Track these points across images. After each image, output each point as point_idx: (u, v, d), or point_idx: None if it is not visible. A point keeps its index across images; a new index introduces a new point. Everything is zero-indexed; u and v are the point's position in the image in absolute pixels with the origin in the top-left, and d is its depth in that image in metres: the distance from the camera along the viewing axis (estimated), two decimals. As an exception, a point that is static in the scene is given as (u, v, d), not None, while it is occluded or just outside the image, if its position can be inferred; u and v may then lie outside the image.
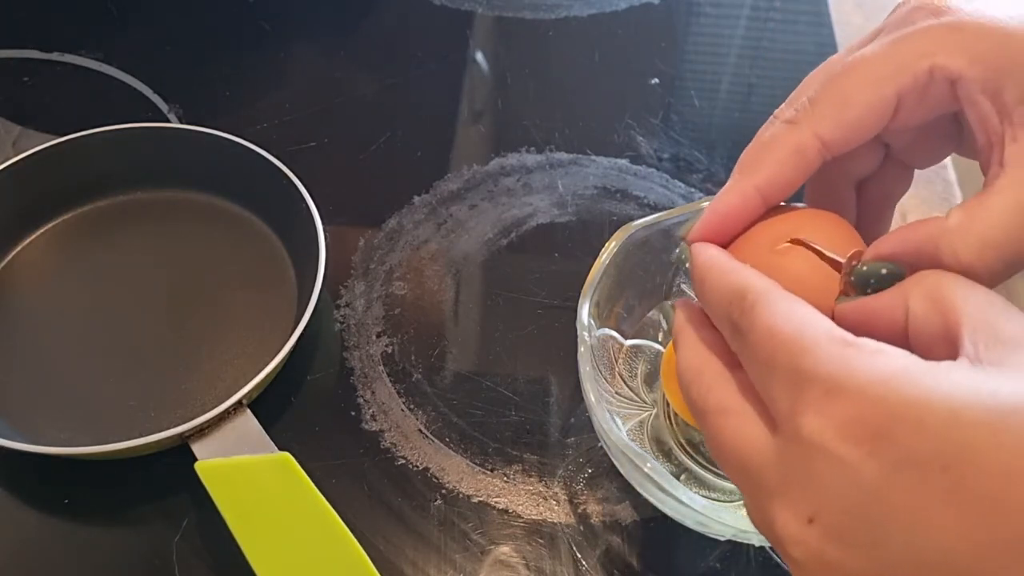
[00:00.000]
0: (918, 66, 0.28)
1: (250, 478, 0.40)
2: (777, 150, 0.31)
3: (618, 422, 0.40)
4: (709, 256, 0.30)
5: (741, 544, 0.42)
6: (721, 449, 0.27)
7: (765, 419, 0.26)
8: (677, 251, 0.34)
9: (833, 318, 0.27)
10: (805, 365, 0.24)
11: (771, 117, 0.33)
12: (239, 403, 0.42)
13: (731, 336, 0.28)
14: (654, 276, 0.47)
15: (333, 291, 0.51)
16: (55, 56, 0.64)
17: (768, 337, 0.25)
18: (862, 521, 0.22)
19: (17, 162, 0.50)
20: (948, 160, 0.59)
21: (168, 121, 0.59)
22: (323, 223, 0.48)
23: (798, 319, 0.25)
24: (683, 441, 0.44)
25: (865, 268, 0.29)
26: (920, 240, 0.28)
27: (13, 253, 0.51)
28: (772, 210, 0.32)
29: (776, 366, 0.24)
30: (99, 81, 0.62)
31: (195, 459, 0.40)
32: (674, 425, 0.45)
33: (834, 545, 0.22)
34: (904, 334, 0.26)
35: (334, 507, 0.39)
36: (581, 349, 0.41)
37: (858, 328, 0.25)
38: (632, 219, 0.45)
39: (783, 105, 0.33)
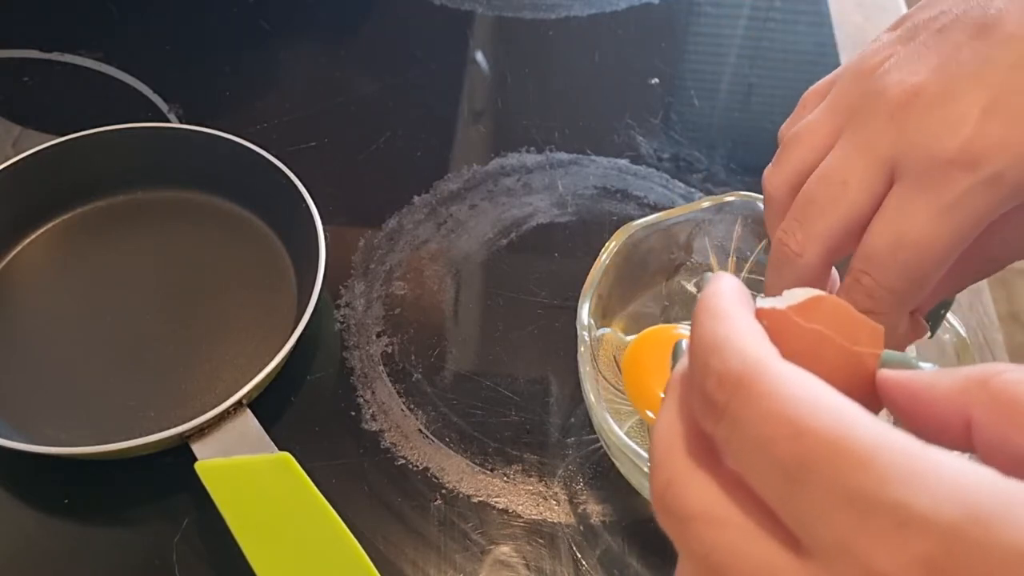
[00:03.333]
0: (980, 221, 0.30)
1: (250, 478, 0.40)
2: (798, 274, 0.32)
3: (618, 422, 0.40)
4: (713, 295, 0.25)
5: (741, 544, 0.42)
6: (715, 571, 0.21)
7: (775, 534, 0.20)
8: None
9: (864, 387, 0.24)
10: (865, 484, 0.18)
11: (764, 182, 0.35)
12: (239, 403, 0.42)
13: (709, 416, 0.22)
14: (654, 276, 0.47)
15: (333, 291, 0.51)
16: (55, 56, 0.64)
17: (792, 436, 0.19)
18: None
19: (17, 162, 0.50)
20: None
21: (168, 121, 0.59)
22: (323, 223, 0.48)
23: (836, 411, 0.19)
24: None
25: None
26: None
27: (13, 253, 0.51)
28: None
29: (812, 479, 0.19)
30: (99, 81, 0.62)
31: (195, 459, 0.40)
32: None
33: None
34: (960, 428, 0.22)
35: (334, 507, 0.39)
36: (581, 349, 0.41)
37: (900, 407, 0.23)
38: (632, 219, 0.46)
39: (771, 170, 0.34)
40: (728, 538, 0.21)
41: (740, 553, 0.20)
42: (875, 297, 0.31)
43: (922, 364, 0.25)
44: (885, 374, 0.24)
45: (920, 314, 0.31)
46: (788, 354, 0.22)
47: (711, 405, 0.22)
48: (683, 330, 0.44)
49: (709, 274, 0.27)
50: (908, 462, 0.18)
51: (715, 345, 0.22)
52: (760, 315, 0.25)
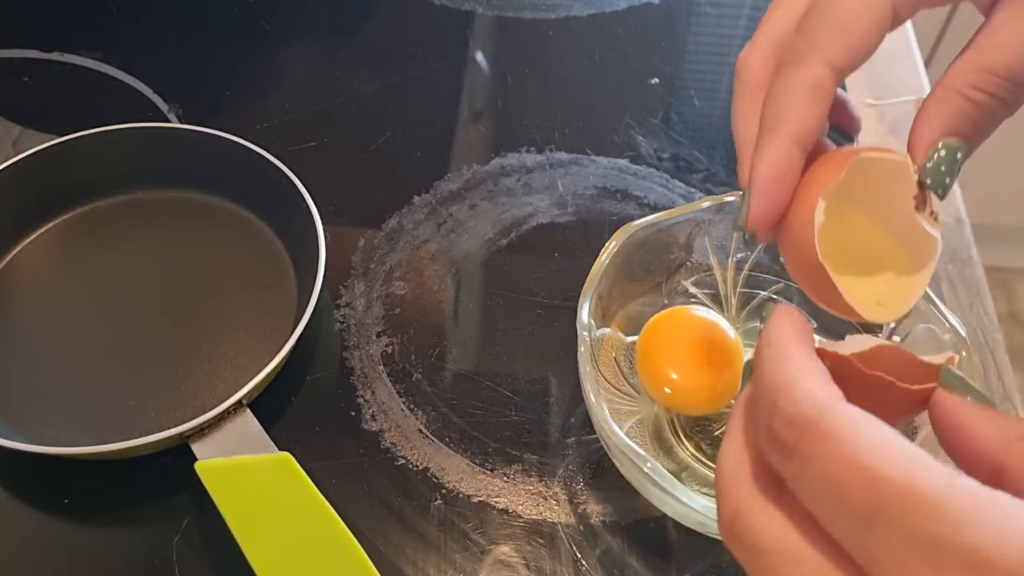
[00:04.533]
0: None
1: (250, 478, 0.40)
2: (796, 95, 0.29)
3: (618, 422, 0.40)
4: (776, 330, 0.26)
5: (741, 544, 0.42)
6: None
7: (848, 571, 0.21)
8: (736, 237, 0.33)
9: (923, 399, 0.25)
10: (938, 530, 0.19)
11: (739, 64, 0.33)
12: (239, 403, 0.42)
13: (776, 453, 0.23)
14: (654, 276, 0.47)
15: (333, 291, 0.51)
16: (55, 56, 0.64)
17: (865, 482, 0.20)
18: None
19: (17, 162, 0.50)
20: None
21: (168, 121, 0.59)
22: (323, 223, 0.48)
23: (907, 458, 0.20)
24: (684, 439, 0.44)
25: (934, 159, 0.28)
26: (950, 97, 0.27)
27: (13, 253, 0.51)
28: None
29: (885, 524, 0.19)
30: (99, 81, 0.62)
31: (195, 459, 0.40)
32: (675, 422, 0.45)
33: None
34: (992, 469, 0.23)
35: (334, 507, 0.39)
36: (581, 349, 0.41)
37: (943, 432, 0.24)
38: (632, 219, 0.46)
39: (748, 48, 0.33)
40: (804, 574, 0.22)
41: None
42: None
43: (977, 388, 0.25)
44: (941, 397, 0.25)
45: (922, 154, 0.29)
46: (849, 397, 0.23)
47: (779, 444, 0.22)
48: (699, 312, 0.44)
49: (771, 304, 0.28)
50: (978, 508, 0.19)
51: (783, 386, 0.23)
52: (822, 355, 0.26)
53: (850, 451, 0.20)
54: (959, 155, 0.28)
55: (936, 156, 0.28)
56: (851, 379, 0.25)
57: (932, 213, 0.29)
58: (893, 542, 0.19)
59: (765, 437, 0.23)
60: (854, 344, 0.28)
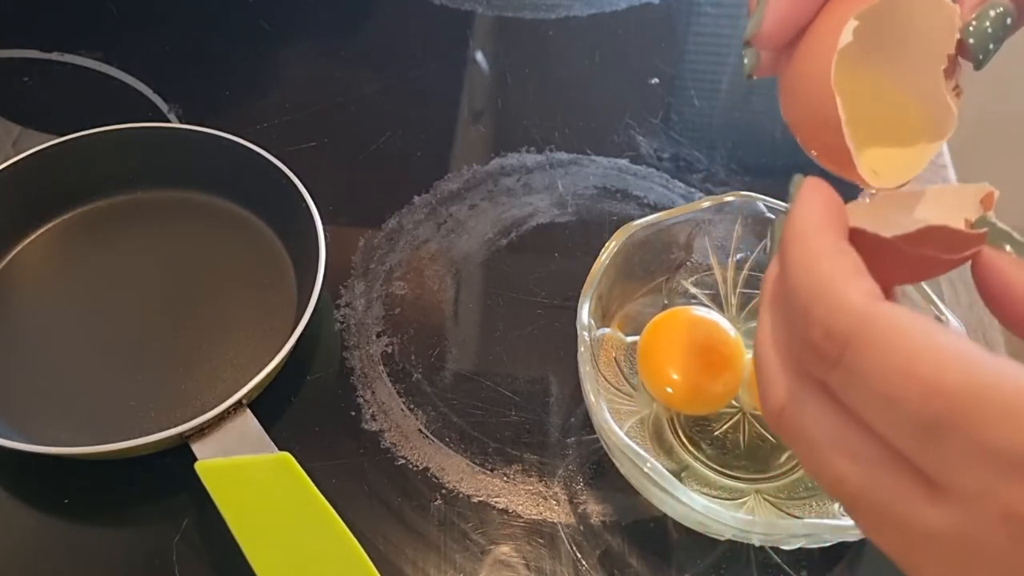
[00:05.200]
0: None
1: (250, 478, 0.40)
2: None
3: (618, 422, 0.40)
4: (803, 219, 0.23)
5: (741, 544, 0.42)
6: (850, 498, 0.22)
7: (907, 470, 0.20)
8: (746, 61, 0.28)
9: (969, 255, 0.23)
10: (1008, 436, 0.18)
11: None
12: (239, 403, 0.42)
13: (817, 364, 0.21)
14: (654, 276, 0.47)
15: (333, 291, 0.51)
16: (55, 56, 0.64)
17: (925, 396, 0.19)
18: None
19: (17, 162, 0.50)
20: (948, 160, 0.59)
21: (168, 121, 0.59)
22: (323, 223, 0.48)
23: (965, 363, 0.19)
24: (684, 439, 0.44)
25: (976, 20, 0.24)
26: None
27: (13, 253, 0.51)
28: None
29: (949, 435, 0.19)
30: (99, 81, 0.62)
31: (195, 459, 0.40)
32: (675, 422, 0.45)
33: None
34: None
35: (334, 507, 0.39)
36: (581, 349, 0.41)
37: (989, 291, 0.23)
38: (632, 219, 0.46)
39: None
40: (860, 470, 0.21)
41: (874, 486, 0.21)
42: None
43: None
44: (987, 256, 0.24)
45: (970, 9, 0.26)
46: (886, 273, 0.21)
47: (819, 355, 0.21)
48: (700, 312, 0.44)
49: (799, 176, 0.25)
50: None
51: (816, 292, 0.21)
52: (858, 238, 0.24)
53: (902, 362, 0.19)
54: (1009, 21, 0.25)
55: (986, 14, 0.25)
56: (890, 258, 0.24)
57: (956, 86, 0.27)
58: (959, 452, 0.19)
59: (802, 345, 0.22)
60: (888, 213, 0.25)
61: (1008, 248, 0.24)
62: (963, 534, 0.19)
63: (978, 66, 0.26)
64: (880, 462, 0.21)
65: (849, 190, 0.27)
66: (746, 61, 0.28)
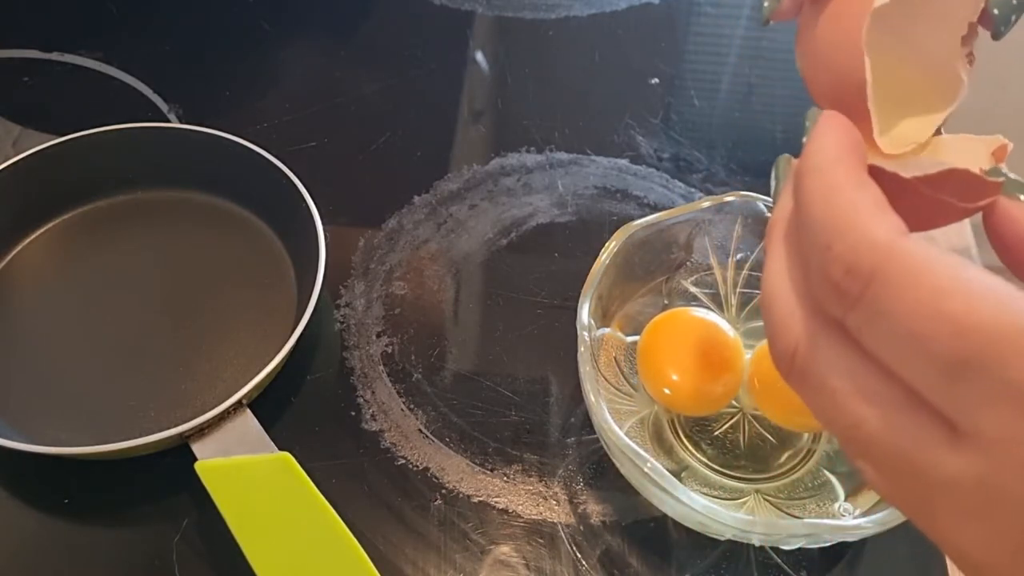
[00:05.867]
0: None
1: (250, 478, 0.40)
2: None
3: (618, 422, 0.40)
4: (820, 151, 0.22)
5: (741, 544, 0.42)
6: (865, 445, 0.21)
7: (927, 413, 0.20)
8: (766, 4, 0.28)
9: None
10: None
11: None
12: (239, 403, 0.42)
13: (836, 302, 0.21)
14: (654, 276, 0.47)
15: (333, 291, 0.51)
16: (55, 56, 0.64)
17: (953, 334, 0.18)
18: None
19: (17, 162, 0.50)
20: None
21: (168, 121, 0.59)
22: (323, 223, 0.48)
23: (994, 299, 0.18)
24: (684, 439, 0.44)
25: None
26: None
27: (13, 253, 0.51)
28: None
29: (976, 375, 0.18)
30: (99, 81, 0.62)
31: (195, 459, 0.40)
32: (675, 422, 0.45)
33: None
34: None
35: (334, 507, 0.39)
36: (581, 349, 0.41)
37: (1004, 242, 0.22)
38: (632, 219, 0.46)
39: None
40: (878, 414, 0.20)
41: (892, 431, 0.20)
42: None
43: None
44: (1002, 205, 0.23)
45: None
46: (908, 219, 0.21)
47: (839, 293, 0.20)
48: (700, 312, 0.44)
49: (815, 109, 0.25)
50: None
51: (836, 225, 0.21)
52: (877, 176, 0.23)
53: (930, 299, 0.19)
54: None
55: None
56: (908, 198, 0.23)
57: (970, 54, 0.26)
58: (987, 394, 0.18)
59: (820, 283, 0.21)
60: (916, 165, 0.25)
61: (1023, 198, 0.24)
62: (985, 480, 0.19)
63: (997, 36, 0.25)
64: (899, 406, 0.20)
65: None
66: (766, 4, 0.27)
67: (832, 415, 0.21)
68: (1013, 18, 0.24)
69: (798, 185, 0.22)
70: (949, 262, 0.19)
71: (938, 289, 0.19)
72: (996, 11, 0.25)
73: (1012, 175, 0.24)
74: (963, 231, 0.56)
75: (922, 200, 0.24)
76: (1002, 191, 0.24)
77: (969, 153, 0.26)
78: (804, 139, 0.24)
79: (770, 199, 0.46)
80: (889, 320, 0.19)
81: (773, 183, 0.26)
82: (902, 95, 0.28)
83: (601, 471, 0.45)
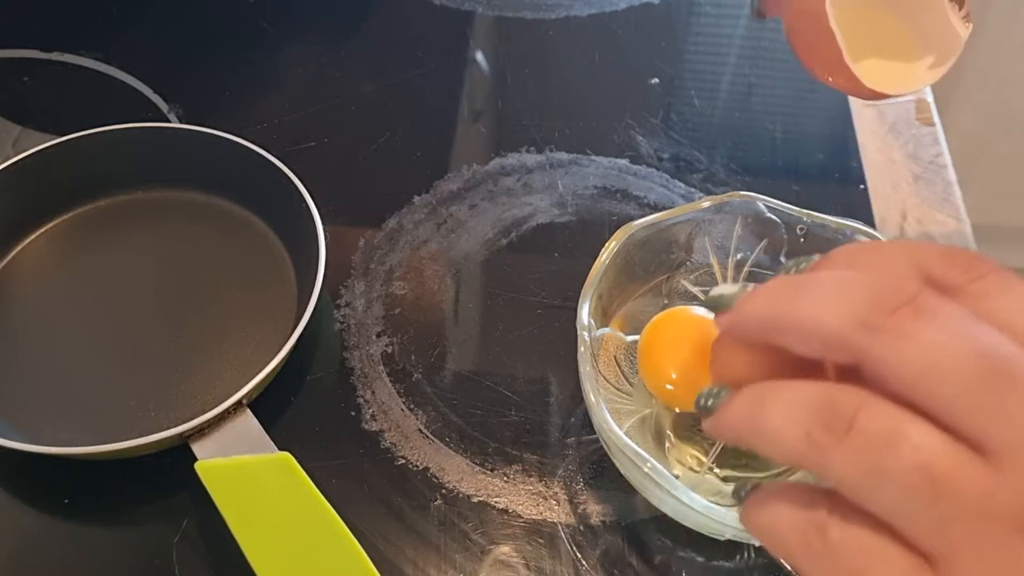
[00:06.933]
0: None
1: (250, 478, 0.40)
2: None
3: (618, 422, 0.39)
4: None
5: (741, 544, 0.42)
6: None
7: (903, 549, 0.21)
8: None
9: None
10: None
11: None
12: (239, 403, 0.42)
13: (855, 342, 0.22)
14: (654, 276, 0.47)
15: (333, 291, 0.51)
16: (55, 56, 0.64)
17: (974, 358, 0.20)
18: None
19: (17, 162, 0.50)
20: (948, 160, 0.59)
21: (168, 121, 0.59)
22: (323, 223, 0.48)
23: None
24: (684, 438, 0.44)
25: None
26: None
27: (13, 253, 0.51)
28: None
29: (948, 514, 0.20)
30: (99, 81, 0.62)
31: (195, 459, 0.40)
32: (676, 422, 0.45)
33: None
34: None
35: (334, 507, 0.39)
36: (581, 349, 0.41)
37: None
38: (632, 219, 0.46)
39: None
40: (918, 440, 0.21)
41: (929, 450, 0.20)
42: None
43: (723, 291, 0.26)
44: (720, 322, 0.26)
45: None
46: None
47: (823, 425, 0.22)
48: (701, 312, 0.44)
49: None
50: None
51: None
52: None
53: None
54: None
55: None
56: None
57: (967, 14, 0.27)
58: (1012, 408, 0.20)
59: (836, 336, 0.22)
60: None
61: None
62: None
63: None
64: (933, 433, 0.21)
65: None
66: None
67: (870, 462, 0.22)
68: None
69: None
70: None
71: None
72: None
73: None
74: (963, 230, 0.56)
75: None
76: None
77: None
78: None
79: (770, 199, 0.46)
80: (849, 448, 0.21)
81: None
82: (894, 48, 0.29)
83: (601, 471, 0.45)
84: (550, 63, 0.65)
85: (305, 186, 0.49)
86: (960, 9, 0.28)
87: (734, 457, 0.44)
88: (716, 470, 0.43)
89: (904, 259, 0.23)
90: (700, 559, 0.42)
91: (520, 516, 0.43)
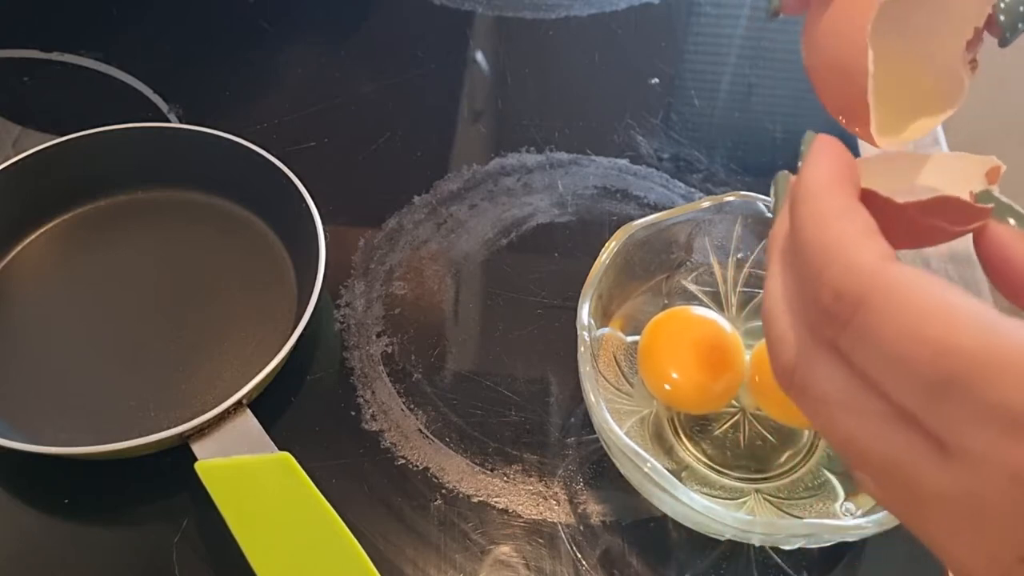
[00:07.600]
0: None
1: (250, 478, 0.40)
2: None
3: (618, 422, 0.40)
4: (814, 180, 0.23)
5: (741, 544, 0.42)
6: (859, 457, 0.22)
7: (915, 429, 0.21)
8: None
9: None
10: (1016, 398, 0.18)
11: None
12: (239, 403, 0.42)
13: (827, 325, 0.22)
14: (654, 276, 0.47)
15: (333, 291, 0.51)
16: (55, 56, 0.64)
17: (934, 355, 0.19)
18: None
19: (17, 162, 0.50)
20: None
21: (168, 121, 0.59)
22: (323, 223, 0.48)
23: (975, 323, 0.19)
24: (684, 439, 0.44)
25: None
26: None
27: (13, 253, 0.51)
28: None
29: (958, 394, 0.19)
30: (99, 81, 0.62)
31: (195, 459, 0.40)
32: (675, 422, 0.45)
33: None
34: None
35: (334, 507, 0.39)
36: (581, 349, 0.41)
37: (991, 264, 0.23)
38: (632, 219, 0.46)
39: None
40: (870, 429, 0.21)
41: (883, 445, 0.21)
42: None
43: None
44: (992, 229, 0.24)
45: None
46: (891, 237, 0.21)
47: (830, 317, 0.21)
48: (701, 311, 0.44)
49: (810, 133, 0.25)
50: None
51: (827, 252, 0.22)
52: (869, 200, 0.24)
53: (913, 323, 0.20)
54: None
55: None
56: (897, 223, 0.24)
57: (973, 60, 0.27)
58: (969, 413, 0.19)
59: (812, 307, 0.22)
60: (895, 175, 0.25)
61: (1012, 222, 0.25)
62: (971, 495, 0.20)
63: (1004, 43, 0.26)
64: (891, 422, 0.21)
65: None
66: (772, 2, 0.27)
67: (829, 428, 0.22)
68: (1020, 25, 0.25)
69: (793, 211, 0.23)
70: (933, 288, 0.20)
71: (921, 313, 0.20)
72: (1003, 18, 0.25)
73: (1003, 198, 0.25)
74: (966, 239, 0.56)
75: (913, 222, 0.25)
76: (992, 215, 0.25)
77: (964, 172, 0.27)
78: (800, 163, 0.25)
79: (770, 199, 0.46)
80: (876, 343, 0.20)
81: (773, 200, 0.27)
82: (903, 94, 0.29)
83: (601, 471, 0.45)
84: (550, 63, 0.65)
85: (305, 186, 0.49)
86: (969, 52, 0.27)
87: (734, 458, 0.44)
88: (715, 466, 0.43)
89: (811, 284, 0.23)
90: (700, 559, 0.42)
91: (520, 516, 0.43)
